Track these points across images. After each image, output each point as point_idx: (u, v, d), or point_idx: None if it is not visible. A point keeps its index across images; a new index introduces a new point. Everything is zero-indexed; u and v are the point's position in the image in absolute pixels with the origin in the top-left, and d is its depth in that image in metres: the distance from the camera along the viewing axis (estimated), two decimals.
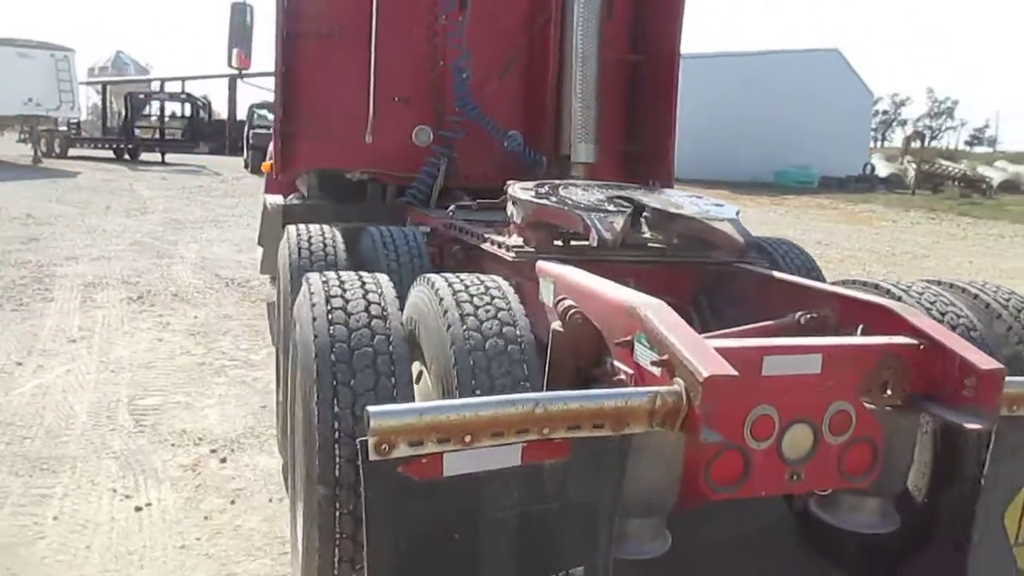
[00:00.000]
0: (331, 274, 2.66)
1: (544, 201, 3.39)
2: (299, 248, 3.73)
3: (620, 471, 2.13)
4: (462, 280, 2.63)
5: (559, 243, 3.40)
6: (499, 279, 2.70)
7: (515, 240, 3.44)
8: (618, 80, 6.13)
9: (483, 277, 2.68)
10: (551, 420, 1.98)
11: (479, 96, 5.75)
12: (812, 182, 31.22)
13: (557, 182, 3.83)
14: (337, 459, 2.20)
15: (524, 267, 3.27)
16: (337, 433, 2.21)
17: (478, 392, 2.31)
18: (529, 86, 6.04)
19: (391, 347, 2.35)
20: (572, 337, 2.58)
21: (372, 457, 1.83)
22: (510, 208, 3.57)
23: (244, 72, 6.13)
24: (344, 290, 2.51)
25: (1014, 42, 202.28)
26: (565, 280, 2.92)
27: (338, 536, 2.21)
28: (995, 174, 33.71)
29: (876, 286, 3.14)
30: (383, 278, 2.67)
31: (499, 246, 3.47)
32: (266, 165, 5.84)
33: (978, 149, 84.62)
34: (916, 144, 35.56)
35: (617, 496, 2.15)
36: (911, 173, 33.95)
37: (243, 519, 3.53)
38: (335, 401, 2.23)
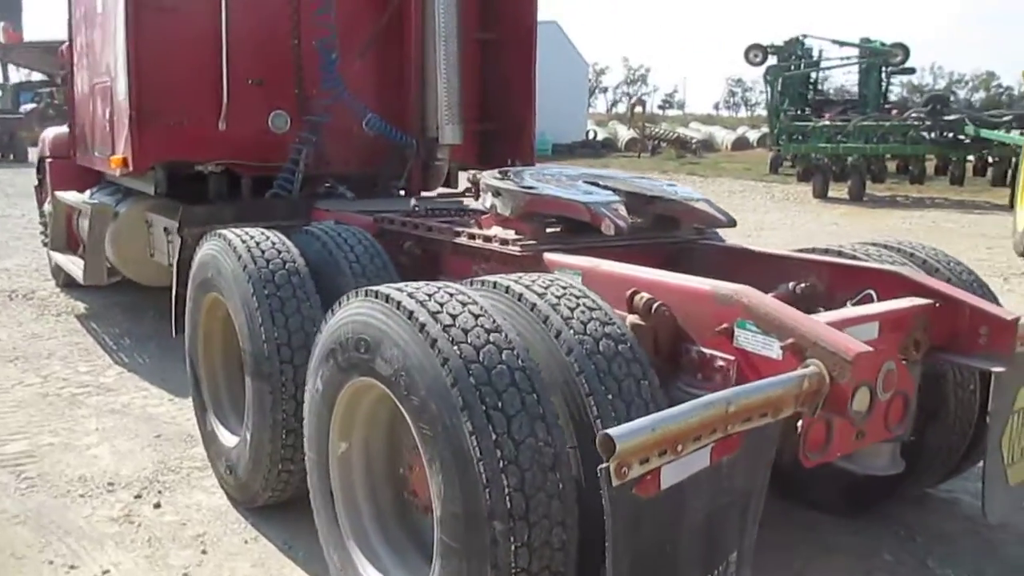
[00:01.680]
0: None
1: (539, 191, 3.32)
2: (252, 258, 3.31)
3: (772, 456, 2.21)
4: (537, 282, 2.51)
5: (554, 232, 3.34)
6: (566, 278, 2.62)
7: (508, 233, 3.33)
8: (472, 58, 6.08)
9: (552, 277, 2.59)
10: (736, 416, 2.00)
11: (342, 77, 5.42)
12: (548, 150, 32.93)
13: (512, 170, 3.75)
14: (507, 490, 2.03)
15: (525, 261, 3.19)
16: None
17: (610, 397, 2.25)
18: (390, 66, 5.79)
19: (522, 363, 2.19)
20: (652, 329, 2.59)
21: (615, 483, 1.74)
22: (489, 200, 3.45)
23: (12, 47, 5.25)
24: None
25: (699, 11, 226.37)
26: (600, 272, 2.90)
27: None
28: (693, 134, 38.00)
29: (840, 252, 3.46)
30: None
31: (490, 240, 3.33)
32: (115, 160, 5.03)
33: (670, 112, 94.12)
34: (639, 110, 39.01)
35: (766, 481, 2.22)
36: (621, 136, 37.48)
37: (230, 569, 3.12)
38: (491, 429, 2.04)
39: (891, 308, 2.72)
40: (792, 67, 21.96)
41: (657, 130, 36.63)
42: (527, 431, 2.06)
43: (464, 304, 2.30)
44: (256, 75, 5.29)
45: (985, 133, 15.94)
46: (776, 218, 14.92)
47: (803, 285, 3.21)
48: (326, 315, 2.71)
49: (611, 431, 1.72)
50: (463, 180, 5.47)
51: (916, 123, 17.16)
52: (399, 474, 2.72)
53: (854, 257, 3.41)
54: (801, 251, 3.60)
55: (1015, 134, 15.27)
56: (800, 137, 19.41)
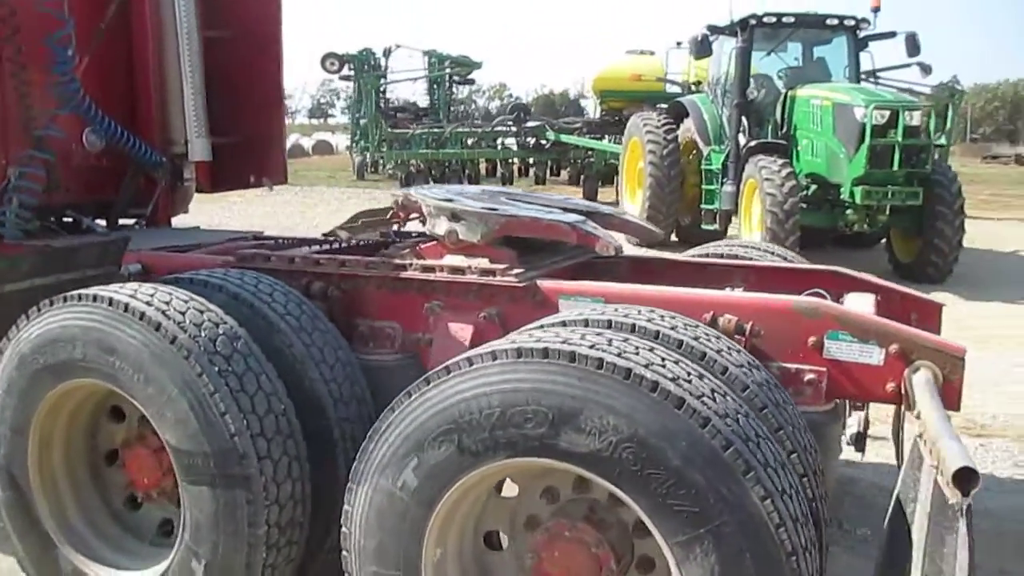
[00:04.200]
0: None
1: (515, 213, 2.96)
2: (179, 325, 2.43)
3: None
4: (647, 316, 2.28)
5: (528, 258, 3.02)
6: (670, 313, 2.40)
7: (478, 261, 2.92)
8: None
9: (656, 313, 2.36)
10: None
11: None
12: None
13: (450, 189, 3.30)
14: None
15: (516, 292, 2.85)
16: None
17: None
18: (118, 68, 4.62)
19: None
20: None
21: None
22: (444, 225, 2.98)
23: None
24: None
25: None
26: (622, 294, 2.73)
27: None
28: None
29: (722, 255, 3.71)
30: None
31: (463, 271, 2.88)
32: None
33: None
34: None
35: None
36: None
37: None
38: None
39: (871, 303, 2.99)
40: (363, 77, 22.24)
41: None
42: None
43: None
44: None
45: (565, 138, 18.26)
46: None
47: (741, 288, 3.38)
48: (412, 391, 2.11)
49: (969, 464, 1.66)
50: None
51: (504, 130, 18.96)
52: None
53: (738, 257, 3.70)
54: (698, 255, 3.79)
55: (587, 139, 17.79)
56: (398, 144, 20.06)
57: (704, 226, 11.10)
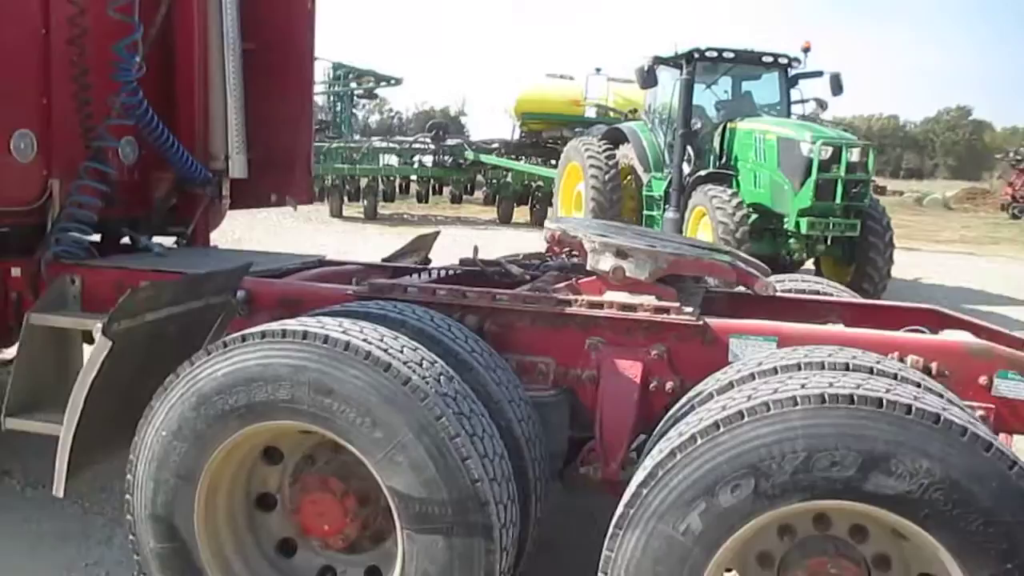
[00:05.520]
0: None
1: (679, 252, 3.00)
2: (409, 366, 2.33)
3: None
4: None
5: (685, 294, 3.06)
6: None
7: (644, 298, 2.94)
8: None
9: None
10: None
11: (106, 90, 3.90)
12: None
13: (601, 224, 3.30)
14: None
15: (687, 331, 2.88)
16: None
17: None
18: (162, 78, 4.32)
19: None
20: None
21: None
22: (610, 261, 2.98)
23: None
24: None
25: None
26: (798, 334, 2.83)
27: None
28: None
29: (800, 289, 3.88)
30: None
31: (634, 308, 2.89)
32: None
33: None
34: None
35: None
36: None
37: None
38: None
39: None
40: None
41: None
42: None
43: None
44: None
45: (484, 158, 18.35)
46: (326, 240, 14.85)
47: (840, 324, 3.54)
48: (698, 435, 2.11)
49: None
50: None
51: (423, 147, 18.85)
52: None
53: (798, 291, 3.87)
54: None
55: (506, 159, 17.95)
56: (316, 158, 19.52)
57: None
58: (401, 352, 2.38)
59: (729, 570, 2.37)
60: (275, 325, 2.45)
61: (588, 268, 3.06)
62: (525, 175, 18.29)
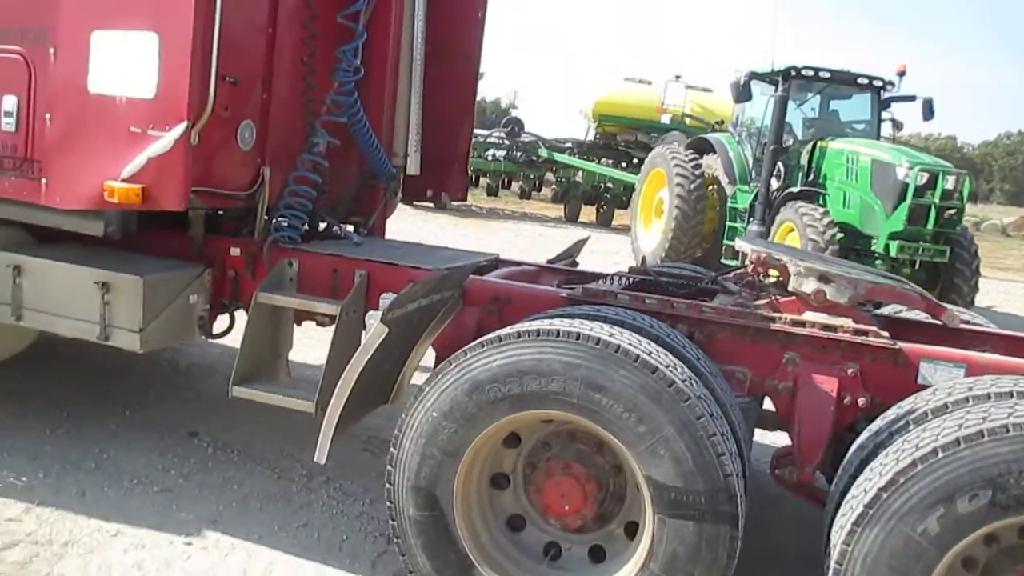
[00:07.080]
0: None
1: (879, 281, 3.30)
2: (666, 366, 2.66)
3: None
4: None
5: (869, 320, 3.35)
6: None
7: (845, 320, 3.24)
8: None
9: None
10: None
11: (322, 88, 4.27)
12: None
13: (795, 251, 3.59)
14: None
15: (881, 352, 3.17)
16: None
17: None
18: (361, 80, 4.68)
19: None
20: None
21: None
22: (812, 284, 3.28)
23: None
24: None
25: None
26: (985, 363, 3.10)
27: None
28: None
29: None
30: None
31: (840, 330, 3.19)
32: (122, 191, 3.16)
33: None
34: None
35: None
36: None
37: None
38: None
39: None
40: None
41: None
42: None
43: None
44: (231, 70, 3.80)
45: (559, 157, 18.66)
46: (404, 227, 15.23)
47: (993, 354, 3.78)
48: (940, 449, 2.41)
49: None
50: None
51: (497, 141, 19.20)
52: None
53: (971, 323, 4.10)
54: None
55: (577, 159, 18.24)
56: None
57: (724, 260, 11.67)
58: (659, 357, 2.71)
59: None
60: (546, 324, 2.78)
61: (790, 289, 3.35)
62: (596, 176, 18.55)
